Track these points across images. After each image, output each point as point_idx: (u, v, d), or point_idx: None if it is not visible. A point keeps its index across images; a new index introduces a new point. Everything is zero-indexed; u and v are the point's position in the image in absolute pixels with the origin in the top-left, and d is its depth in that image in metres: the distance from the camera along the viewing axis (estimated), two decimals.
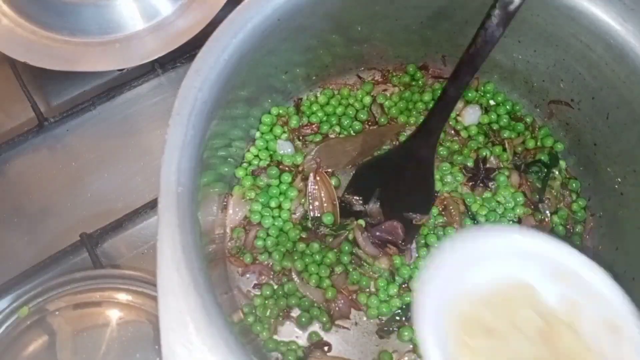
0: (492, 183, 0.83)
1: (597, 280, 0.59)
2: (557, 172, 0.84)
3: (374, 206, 0.81)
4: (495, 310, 0.57)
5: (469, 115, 0.87)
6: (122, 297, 0.80)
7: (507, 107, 0.87)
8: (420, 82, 0.89)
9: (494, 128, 0.87)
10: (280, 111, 0.86)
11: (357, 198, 0.82)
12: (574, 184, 0.83)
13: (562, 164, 0.84)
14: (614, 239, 0.78)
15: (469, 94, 0.88)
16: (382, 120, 0.88)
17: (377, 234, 0.80)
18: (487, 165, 0.84)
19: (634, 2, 0.68)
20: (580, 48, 0.73)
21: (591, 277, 0.60)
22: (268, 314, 0.77)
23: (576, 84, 0.78)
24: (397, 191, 0.80)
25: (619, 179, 0.76)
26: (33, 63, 0.86)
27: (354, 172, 0.84)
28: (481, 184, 0.83)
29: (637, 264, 0.72)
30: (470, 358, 0.55)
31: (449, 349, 0.54)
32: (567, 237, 0.81)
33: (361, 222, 0.81)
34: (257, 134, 0.85)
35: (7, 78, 0.94)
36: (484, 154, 0.84)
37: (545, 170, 0.84)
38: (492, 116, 0.87)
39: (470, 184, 0.84)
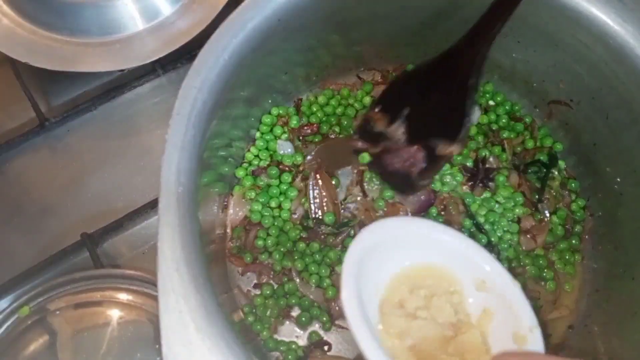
0: (491, 183, 0.83)
1: (510, 293, 0.61)
2: (556, 172, 0.84)
3: (398, 127, 0.75)
4: (417, 292, 0.61)
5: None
6: (123, 296, 0.80)
7: (507, 107, 0.87)
8: None
9: (493, 128, 0.86)
10: (280, 111, 0.86)
11: (383, 115, 0.76)
12: (573, 184, 0.83)
13: (562, 164, 0.84)
14: (613, 239, 0.78)
15: None
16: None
17: (392, 162, 0.77)
18: (487, 166, 0.84)
19: (633, 2, 0.68)
20: (580, 48, 0.73)
21: (506, 288, 0.61)
22: (268, 313, 0.77)
23: (576, 84, 0.78)
24: (427, 113, 0.74)
25: (619, 179, 0.76)
26: (34, 63, 0.86)
27: (387, 84, 0.81)
28: (480, 184, 0.83)
29: (636, 264, 0.73)
30: (386, 331, 0.59)
31: (374, 322, 0.58)
32: (566, 238, 0.82)
33: (365, 157, 0.80)
34: (257, 134, 0.85)
35: (7, 78, 0.94)
36: (483, 154, 0.84)
37: (545, 170, 0.84)
38: (492, 116, 0.87)
39: (470, 183, 0.84)
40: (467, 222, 0.82)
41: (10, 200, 0.90)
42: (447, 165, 0.84)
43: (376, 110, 0.77)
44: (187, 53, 0.94)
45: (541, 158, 0.84)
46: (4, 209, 0.89)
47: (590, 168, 0.81)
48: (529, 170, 0.84)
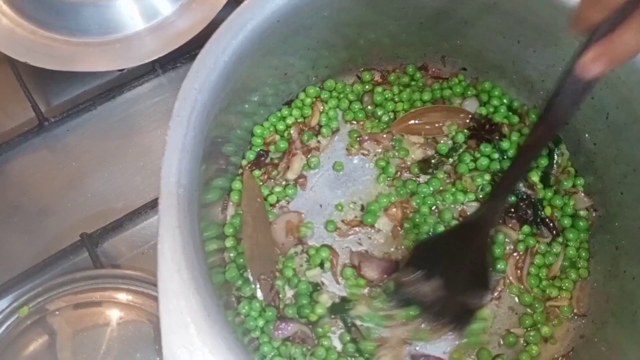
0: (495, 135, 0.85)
1: None
2: (560, 152, 0.84)
3: (434, 283, 0.72)
4: None
5: (468, 106, 0.88)
6: (123, 297, 0.80)
7: (505, 100, 0.88)
8: (419, 83, 0.89)
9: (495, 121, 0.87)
10: (279, 113, 0.87)
11: (418, 273, 0.74)
12: (578, 181, 0.83)
13: (563, 147, 0.84)
14: (613, 238, 0.78)
15: (468, 91, 0.88)
16: (377, 110, 0.88)
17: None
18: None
19: None
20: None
21: None
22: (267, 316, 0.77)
23: None
24: (454, 273, 0.73)
25: (619, 179, 0.76)
26: (33, 63, 0.86)
27: (411, 250, 0.79)
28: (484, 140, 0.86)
29: (637, 264, 0.73)
30: None
31: None
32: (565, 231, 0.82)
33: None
34: (258, 132, 0.85)
35: (7, 78, 0.94)
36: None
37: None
38: (490, 108, 0.87)
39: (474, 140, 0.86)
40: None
41: (9, 200, 0.90)
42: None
43: (404, 273, 0.75)
44: (186, 53, 0.94)
45: None
46: (3, 209, 0.89)
47: (591, 168, 0.81)
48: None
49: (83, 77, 0.97)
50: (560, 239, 0.81)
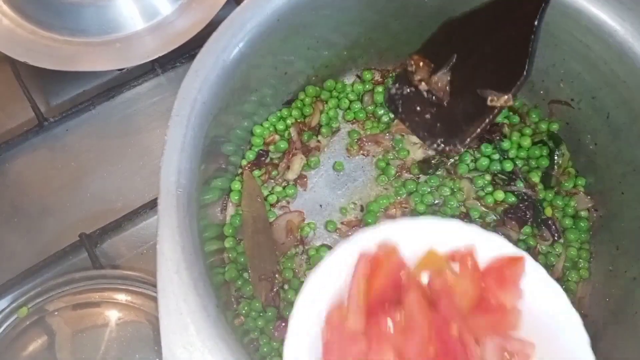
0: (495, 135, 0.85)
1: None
2: (561, 153, 0.84)
3: (442, 76, 0.66)
4: None
5: None
6: (122, 297, 0.80)
7: None
8: None
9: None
10: (279, 113, 0.87)
11: (425, 62, 0.68)
12: (579, 181, 0.83)
13: (564, 147, 0.84)
14: (614, 238, 0.78)
15: None
16: (377, 110, 0.88)
17: (430, 111, 0.68)
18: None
19: (632, 1, 0.68)
20: (580, 48, 0.73)
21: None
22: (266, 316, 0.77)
23: (576, 84, 0.78)
24: (478, 61, 0.64)
25: (620, 178, 0.76)
26: (33, 63, 0.86)
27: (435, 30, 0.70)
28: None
29: (637, 264, 0.72)
30: None
31: None
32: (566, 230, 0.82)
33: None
34: (258, 132, 0.85)
35: (7, 78, 0.94)
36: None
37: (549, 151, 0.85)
38: None
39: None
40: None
41: (8, 201, 0.90)
42: None
43: (417, 56, 0.69)
44: (186, 52, 0.94)
45: (543, 139, 0.85)
46: (3, 209, 0.89)
47: (591, 167, 0.81)
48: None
49: (83, 76, 0.97)
50: (561, 240, 0.81)
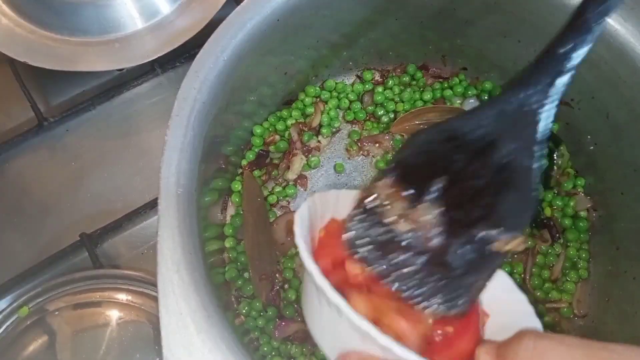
0: None
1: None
2: (560, 153, 0.84)
3: (428, 208, 0.50)
4: None
5: (469, 106, 0.88)
6: (122, 297, 0.80)
7: None
8: (420, 82, 0.89)
9: None
10: (279, 113, 0.87)
11: (401, 188, 0.51)
12: (579, 181, 0.83)
13: (563, 148, 0.84)
14: (614, 239, 0.78)
15: (469, 91, 0.88)
16: (377, 111, 0.88)
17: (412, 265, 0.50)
18: None
19: (633, 1, 0.68)
20: None
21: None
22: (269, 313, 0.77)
23: (576, 84, 0.77)
24: (472, 187, 0.50)
25: (620, 179, 0.76)
26: (33, 63, 0.86)
27: (405, 141, 0.60)
28: None
29: (637, 264, 0.72)
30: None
31: None
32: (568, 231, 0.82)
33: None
34: (258, 132, 0.85)
35: (6, 78, 0.94)
36: None
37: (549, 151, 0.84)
38: None
39: None
40: None
41: (8, 201, 0.90)
42: None
43: (389, 179, 0.52)
44: (186, 52, 0.94)
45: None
46: (3, 209, 0.89)
47: (591, 168, 0.81)
48: None
49: (82, 77, 0.97)
50: (561, 240, 0.81)
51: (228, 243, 0.79)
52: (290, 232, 0.81)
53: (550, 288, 0.79)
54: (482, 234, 0.49)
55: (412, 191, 0.50)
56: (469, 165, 0.50)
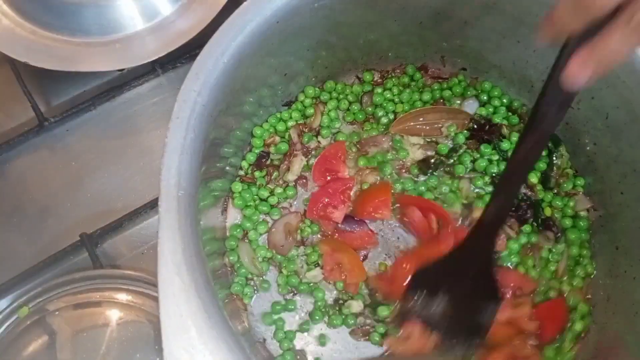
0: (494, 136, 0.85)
1: None
2: (560, 154, 0.84)
3: (440, 301, 0.70)
4: None
5: (468, 107, 0.88)
6: (122, 297, 0.80)
7: (505, 100, 0.88)
8: (419, 83, 0.89)
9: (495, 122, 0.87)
10: (279, 114, 0.87)
11: (420, 294, 0.72)
12: (579, 181, 0.83)
13: (563, 149, 0.84)
14: (614, 238, 0.78)
15: (468, 92, 0.88)
16: (377, 111, 0.88)
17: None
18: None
19: None
20: None
21: None
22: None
23: None
24: (460, 290, 0.70)
25: (619, 178, 0.76)
26: (33, 63, 0.86)
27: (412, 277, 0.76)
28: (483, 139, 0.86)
29: (637, 264, 0.73)
30: None
31: None
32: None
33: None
34: (258, 133, 0.85)
35: (7, 78, 0.94)
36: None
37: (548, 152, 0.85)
38: (489, 109, 0.87)
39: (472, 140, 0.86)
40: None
41: (9, 201, 0.90)
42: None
43: (410, 291, 0.73)
44: (186, 53, 0.94)
45: None
46: (3, 209, 0.89)
47: (591, 168, 0.81)
48: None
49: (83, 77, 0.97)
50: (563, 239, 0.81)
51: (230, 245, 0.80)
52: (288, 234, 0.81)
53: (558, 282, 0.80)
54: (471, 314, 0.69)
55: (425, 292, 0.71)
56: (456, 277, 0.70)
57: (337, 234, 0.82)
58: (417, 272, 0.74)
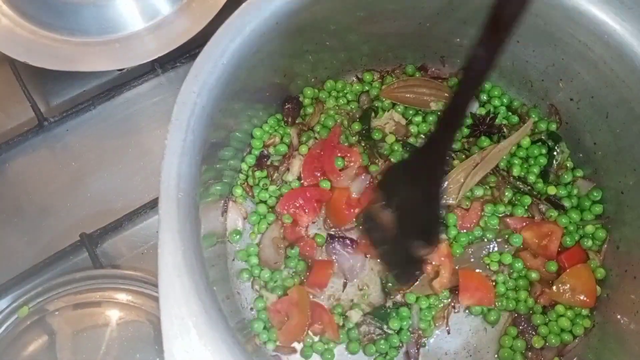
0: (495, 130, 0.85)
1: None
2: (560, 150, 0.84)
3: (389, 217, 0.68)
4: None
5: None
6: (122, 297, 0.80)
7: (504, 100, 0.88)
8: None
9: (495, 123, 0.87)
10: (278, 116, 0.87)
11: (380, 197, 0.70)
12: (577, 173, 0.84)
13: (563, 145, 0.84)
14: (614, 238, 0.78)
15: None
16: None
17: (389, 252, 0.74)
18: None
19: (632, 1, 0.68)
20: (579, 48, 0.73)
21: None
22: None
23: (575, 84, 0.78)
24: (412, 209, 0.67)
25: (619, 178, 0.76)
26: (33, 63, 0.86)
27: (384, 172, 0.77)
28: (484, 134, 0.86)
29: (637, 264, 0.73)
30: None
31: None
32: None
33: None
34: (257, 135, 0.85)
35: (7, 78, 0.94)
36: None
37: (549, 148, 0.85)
38: (489, 109, 0.87)
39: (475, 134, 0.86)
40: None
41: (9, 201, 0.90)
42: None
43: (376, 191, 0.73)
44: (186, 52, 0.94)
45: (542, 137, 0.86)
46: (3, 209, 0.90)
47: (591, 167, 0.81)
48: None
49: (83, 77, 0.97)
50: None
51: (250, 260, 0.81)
52: (279, 248, 0.81)
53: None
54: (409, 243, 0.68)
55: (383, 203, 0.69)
56: (409, 190, 0.66)
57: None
58: (388, 169, 0.77)
